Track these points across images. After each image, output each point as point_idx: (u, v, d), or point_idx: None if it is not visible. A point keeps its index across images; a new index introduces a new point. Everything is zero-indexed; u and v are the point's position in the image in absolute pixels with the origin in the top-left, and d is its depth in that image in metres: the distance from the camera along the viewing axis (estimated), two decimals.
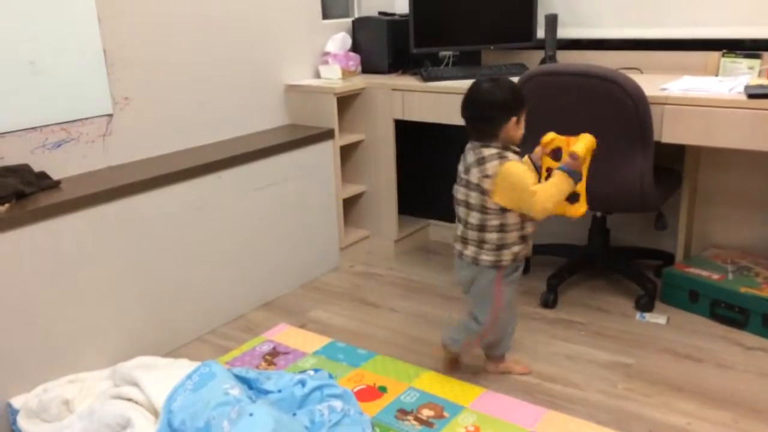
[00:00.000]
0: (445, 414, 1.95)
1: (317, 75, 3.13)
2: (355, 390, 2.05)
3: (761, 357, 2.22)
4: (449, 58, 3.17)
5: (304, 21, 3.05)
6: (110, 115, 2.38)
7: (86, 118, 2.31)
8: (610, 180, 2.31)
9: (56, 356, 2.05)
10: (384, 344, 2.38)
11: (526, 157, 2.01)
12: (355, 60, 3.15)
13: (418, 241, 3.33)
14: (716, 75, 2.59)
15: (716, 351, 2.26)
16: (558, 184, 1.86)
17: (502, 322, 2.05)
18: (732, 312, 2.39)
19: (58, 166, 2.24)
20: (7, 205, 1.96)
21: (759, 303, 2.32)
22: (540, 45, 2.87)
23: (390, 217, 3.15)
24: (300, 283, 2.90)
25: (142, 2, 2.42)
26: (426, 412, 1.96)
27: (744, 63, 2.54)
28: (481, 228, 1.91)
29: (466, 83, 2.79)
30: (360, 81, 3.03)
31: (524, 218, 1.91)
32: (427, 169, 3.29)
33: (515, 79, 2.42)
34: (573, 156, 1.87)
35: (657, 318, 2.48)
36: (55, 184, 2.16)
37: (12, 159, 2.13)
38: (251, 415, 1.66)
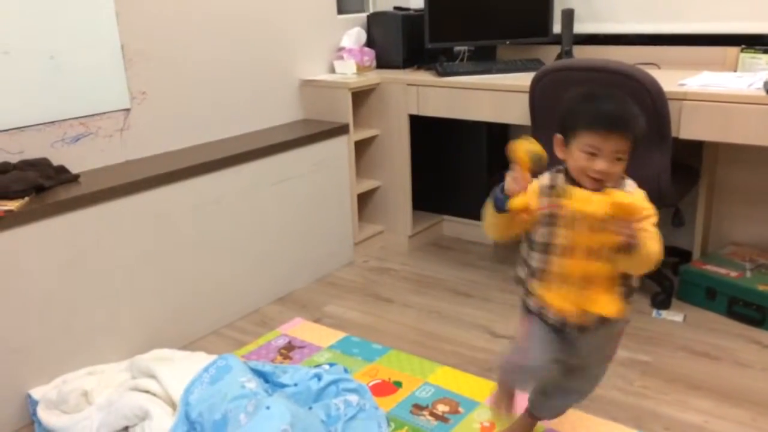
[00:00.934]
0: (461, 410, 1.95)
1: (332, 70, 3.13)
2: (370, 384, 2.06)
3: None
4: (464, 53, 3.16)
5: (319, 16, 3.06)
6: (128, 110, 2.39)
7: (104, 113, 2.33)
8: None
9: (75, 348, 2.07)
10: (398, 339, 2.39)
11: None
12: (370, 55, 3.15)
13: (432, 237, 3.33)
14: (735, 71, 2.57)
15: (733, 349, 2.24)
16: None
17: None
18: (750, 310, 2.37)
19: (77, 160, 2.26)
20: (26, 199, 1.98)
21: None
22: (556, 40, 2.86)
23: (404, 213, 3.15)
24: (314, 277, 2.91)
25: None
26: (441, 408, 1.97)
27: (763, 58, 2.51)
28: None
29: (482, 78, 2.82)
30: (375, 76, 3.03)
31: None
32: (441, 165, 3.28)
33: (531, 75, 2.43)
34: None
35: (674, 315, 2.47)
36: (73, 178, 2.18)
37: (31, 153, 2.15)
38: (268, 408, 1.66)
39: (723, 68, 2.61)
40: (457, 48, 3.19)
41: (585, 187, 1.41)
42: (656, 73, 2.24)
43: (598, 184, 1.40)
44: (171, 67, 2.51)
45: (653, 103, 2.18)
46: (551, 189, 1.46)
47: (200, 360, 1.98)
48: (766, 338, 2.30)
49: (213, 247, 2.46)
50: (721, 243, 2.75)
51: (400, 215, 3.17)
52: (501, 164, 3.37)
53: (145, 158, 2.46)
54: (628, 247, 1.33)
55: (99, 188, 2.10)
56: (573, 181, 1.44)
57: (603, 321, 1.47)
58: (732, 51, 2.60)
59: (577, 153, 1.41)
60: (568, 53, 2.81)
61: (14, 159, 2.10)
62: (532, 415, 1.77)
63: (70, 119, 2.24)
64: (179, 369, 1.91)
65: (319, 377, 1.93)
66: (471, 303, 2.65)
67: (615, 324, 1.52)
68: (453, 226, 3.35)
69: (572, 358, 1.57)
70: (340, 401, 1.83)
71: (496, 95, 2.68)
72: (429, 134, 3.21)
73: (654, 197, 2.33)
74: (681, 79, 2.40)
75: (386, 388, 2.07)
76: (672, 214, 2.51)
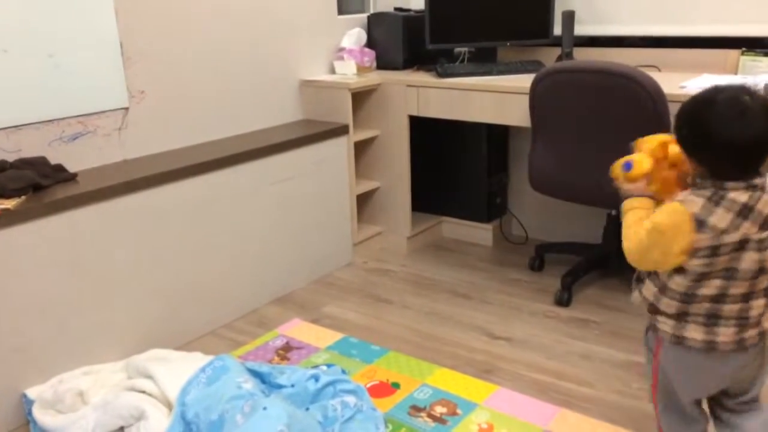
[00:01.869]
0: (459, 411, 1.94)
1: (332, 70, 3.12)
2: (368, 386, 2.05)
3: None
4: (465, 54, 3.15)
5: (319, 16, 3.05)
6: (126, 109, 2.39)
7: (102, 111, 2.32)
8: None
9: (71, 348, 2.06)
10: (397, 340, 2.38)
11: None
12: (370, 56, 3.15)
13: (432, 238, 3.32)
14: (735, 73, 2.56)
15: None
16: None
17: None
18: None
19: (75, 158, 2.25)
20: (23, 198, 1.97)
21: None
22: (557, 42, 2.85)
23: (403, 214, 3.15)
24: (313, 278, 2.90)
25: None
26: (439, 409, 1.96)
27: (764, 61, 2.51)
28: None
29: (482, 80, 2.82)
30: (375, 77, 3.02)
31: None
32: (441, 166, 3.27)
33: (531, 77, 2.43)
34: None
35: None
36: (71, 177, 2.17)
37: (29, 151, 2.14)
38: (265, 408, 1.66)
39: (724, 71, 2.61)
40: (457, 49, 3.18)
41: None
42: (657, 76, 2.23)
43: None
44: (170, 66, 2.50)
45: (654, 105, 2.18)
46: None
47: (197, 360, 1.97)
48: None
49: (211, 247, 2.45)
50: None
51: (399, 216, 3.16)
52: (501, 165, 3.39)
53: (144, 157, 2.45)
54: None
55: (97, 187, 2.10)
56: None
57: None
58: (733, 54, 2.60)
59: None
60: (569, 55, 2.80)
61: (11, 157, 2.09)
62: None
63: (68, 118, 2.23)
64: (176, 369, 1.90)
65: (316, 378, 1.93)
66: (470, 304, 2.65)
67: None
68: (452, 227, 3.34)
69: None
70: (337, 402, 1.82)
71: (496, 97, 2.68)
72: (429, 135, 3.21)
73: None
74: (682, 81, 2.40)
75: (384, 389, 2.07)
76: None
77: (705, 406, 1.52)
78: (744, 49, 2.56)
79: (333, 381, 1.91)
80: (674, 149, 1.39)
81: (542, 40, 2.95)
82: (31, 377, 1.98)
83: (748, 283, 1.33)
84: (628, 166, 1.42)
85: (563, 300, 2.59)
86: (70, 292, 2.04)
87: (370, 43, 3.21)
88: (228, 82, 2.72)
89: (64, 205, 2.00)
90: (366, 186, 3.13)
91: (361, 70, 3.08)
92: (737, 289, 1.33)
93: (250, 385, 1.79)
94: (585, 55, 2.84)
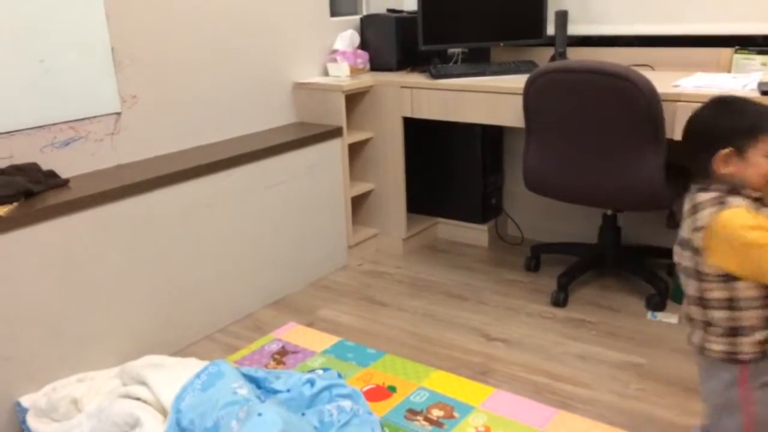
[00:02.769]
0: (455, 414, 1.94)
1: (325, 73, 3.11)
2: (364, 390, 2.04)
3: None
4: (458, 55, 3.15)
5: (312, 18, 3.04)
6: (118, 114, 2.37)
7: (94, 117, 2.31)
8: (621, 178, 2.29)
9: (65, 355, 2.05)
10: (393, 343, 2.37)
11: None
12: (363, 57, 3.14)
13: (427, 240, 3.31)
14: (729, 72, 2.56)
15: None
16: None
17: None
18: None
19: (67, 164, 2.24)
20: (14, 204, 1.95)
21: None
22: (550, 42, 2.85)
23: (398, 215, 3.14)
24: (308, 281, 2.89)
25: (150, 0, 2.42)
26: (436, 413, 1.95)
27: (757, 59, 2.51)
28: (702, 302, 1.42)
29: (475, 81, 2.81)
30: (368, 78, 3.01)
31: None
32: (435, 167, 3.27)
33: (525, 77, 2.42)
34: None
35: (669, 317, 2.46)
36: (63, 183, 2.16)
37: (20, 157, 2.12)
38: (260, 414, 1.64)
39: (717, 69, 2.61)
40: (450, 50, 3.18)
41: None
42: (650, 75, 2.23)
43: None
44: (162, 70, 2.49)
45: (647, 104, 2.17)
46: None
47: (192, 366, 1.95)
48: None
49: (205, 252, 2.44)
50: None
51: (394, 218, 3.15)
52: (496, 166, 3.39)
53: (136, 162, 2.44)
54: None
55: (89, 193, 2.08)
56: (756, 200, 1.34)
57: None
58: (726, 52, 2.60)
59: (761, 160, 1.32)
60: (562, 55, 2.80)
61: (3, 164, 2.08)
62: None
63: (59, 123, 2.21)
64: (170, 375, 1.89)
65: (312, 383, 1.91)
66: (466, 306, 2.64)
67: None
68: (447, 228, 3.34)
69: None
70: (333, 407, 1.81)
71: (490, 97, 2.67)
72: (423, 137, 3.20)
73: (648, 199, 2.35)
74: (675, 80, 2.40)
75: (380, 393, 2.06)
76: (667, 215, 2.50)
77: None
78: (737, 47, 2.56)
79: (329, 385, 1.90)
80: None
81: (535, 40, 2.95)
82: (24, 385, 1.96)
83: None
84: None
85: (559, 300, 2.59)
86: (64, 299, 2.03)
87: (363, 45, 3.20)
88: (220, 85, 2.70)
89: (56, 211, 1.99)
90: (360, 188, 3.12)
91: (354, 72, 3.07)
92: None
93: (245, 390, 1.78)
94: (578, 55, 2.83)
